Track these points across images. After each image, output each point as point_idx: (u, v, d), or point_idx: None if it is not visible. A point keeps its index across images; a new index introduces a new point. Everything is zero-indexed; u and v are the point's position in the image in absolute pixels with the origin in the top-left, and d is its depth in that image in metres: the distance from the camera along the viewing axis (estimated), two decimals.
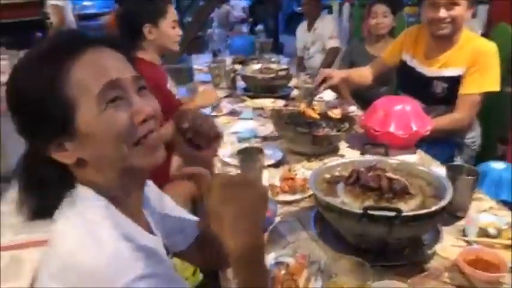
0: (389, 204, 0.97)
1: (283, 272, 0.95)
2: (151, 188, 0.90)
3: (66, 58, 0.62)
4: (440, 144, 1.84)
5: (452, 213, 1.15)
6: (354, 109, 2.10)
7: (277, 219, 1.19)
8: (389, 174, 1.03)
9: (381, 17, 2.58)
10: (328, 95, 2.38)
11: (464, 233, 1.09)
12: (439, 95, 1.82)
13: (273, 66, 2.49)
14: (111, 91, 0.63)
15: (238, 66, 2.78)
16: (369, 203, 0.98)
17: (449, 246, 1.05)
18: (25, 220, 0.68)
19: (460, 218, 1.15)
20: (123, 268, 0.56)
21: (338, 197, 1.04)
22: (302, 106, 1.69)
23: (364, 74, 2.08)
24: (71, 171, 0.67)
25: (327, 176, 1.16)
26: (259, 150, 1.35)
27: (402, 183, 1.01)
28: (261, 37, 4.36)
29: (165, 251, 0.86)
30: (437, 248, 1.03)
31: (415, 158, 1.55)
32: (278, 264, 0.99)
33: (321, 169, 1.17)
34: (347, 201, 1.02)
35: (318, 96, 2.33)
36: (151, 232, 0.77)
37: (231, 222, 0.62)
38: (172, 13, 1.89)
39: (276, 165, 1.52)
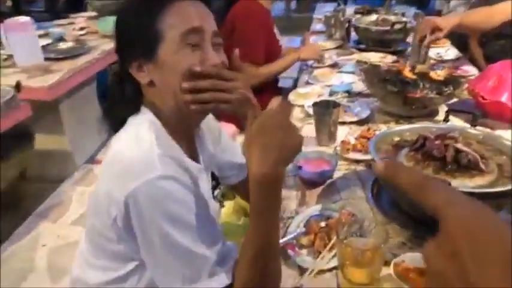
0: (451, 177, 0.88)
1: (322, 223, 0.96)
2: (211, 124, 0.99)
3: (166, 2, 0.77)
4: None
5: None
6: (473, 71, 1.84)
7: (339, 174, 1.18)
8: (460, 146, 0.92)
9: None
10: (451, 53, 2.12)
11: None
12: None
13: (392, 18, 2.29)
14: (193, 35, 0.77)
15: (358, 17, 2.63)
16: (427, 172, 0.91)
17: None
18: (106, 131, 0.86)
19: None
20: (152, 166, 0.68)
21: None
22: (401, 64, 1.55)
23: (484, 13, 1.68)
24: (142, 94, 0.82)
25: (396, 139, 1.08)
26: (336, 105, 1.32)
27: (472, 157, 0.89)
28: None
29: (214, 181, 0.96)
30: None
31: None
32: (321, 216, 1.00)
33: (390, 131, 1.10)
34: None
35: (437, 54, 2.11)
36: (196, 160, 0.87)
37: (262, 149, 0.66)
38: None
39: (360, 122, 1.47)
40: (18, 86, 1.72)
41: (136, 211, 0.67)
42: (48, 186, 2.19)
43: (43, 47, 2.38)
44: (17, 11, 5.56)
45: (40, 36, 2.62)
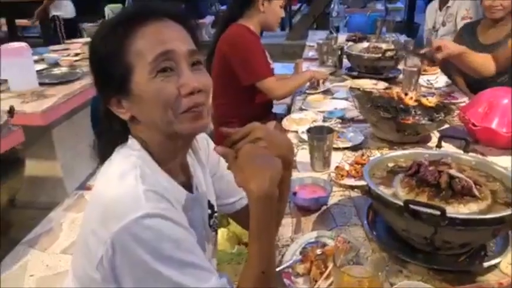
0: (445, 203, 0.88)
1: (318, 251, 0.95)
2: (210, 152, 0.98)
3: (131, 28, 0.71)
4: None
5: None
6: (462, 98, 1.88)
7: (334, 200, 1.18)
8: (453, 172, 0.92)
9: None
10: (440, 81, 2.17)
11: None
12: None
13: (383, 45, 2.34)
14: (163, 61, 0.70)
15: (350, 44, 2.69)
16: (421, 198, 0.91)
17: None
18: (98, 164, 0.81)
19: None
20: (137, 204, 0.65)
21: (392, 188, 0.98)
22: (394, 90, 1.58)
23: (485, 62, 1.76)
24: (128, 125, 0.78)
25: (391, 164, 1.09)
26: (330, 130, 1.33)
27: (466, 184, 0.90)
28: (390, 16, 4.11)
29: (210, 209, 0.94)
30: (503, 262, 0.90)
31: None
32: (316, 243, 0.99)
33: (385, 157, 1.11)
34: (400, 193, 0.95)
35: (427, 81, 2.15)
36: (190, 189, 0.85)
37: (257, 172, 0.72)
38: None
39: (354, 148, 1.48)
40: (11, 111, 1.71)
41: (124, 252, 0.63)
42: (39, 213, 2.15)
43: (38, 72, 2.40)
44: (12, 36, 5.62)
45: (35, 61, 2.64)
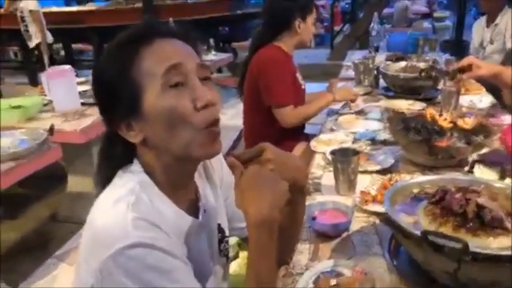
0: (472, 235, 0.80)
1: (333, 281, 0.90)
2: (225, 175, 0.96)
3: (137, 48, 0.70)
4: None
5: None
6: (509, 120, 1.74)
7: (356, 227, 1.12)
8: (482, 200, 0.84)
9: None
10: (484, 101, 2.03)
11: None
12: None
13: (421, 65, 2.25)
14: (174, 76, 0.68)
15: (386, 64, 2.61)
16: (445, 229, 0.83)
17: None
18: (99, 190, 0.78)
19: None
20: (124, 233, 0.63)
21: (414, 215, 0.92)
22: (428, 111, 1.49)
23: None
24: (133, 150, 0.75)
25: (416, 190, 1.02)
26: (355, 153, 1.27)
27: (496, 215, 0.82)
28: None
29: (220, 233, 0.91)
30: None
31: None
32: (331, 272, 0.94)
33: (411, 182, 1.04)
34: (422, 222, 0.88)
35: (470, 101, 2.03)
36: (197, 212, 0.83)
37: (256, 196, 0.71)
38: (315, 10, 1.99)
39: (384, 172, 1.40)
40: (51, 130, 1.81)
41: (111, 282, 0.63)
42: (78, 227, 2.23)
43: (82, 92, 2.52)
44: (69, 60, 6.05)
45: (82, 82, 2.79)
